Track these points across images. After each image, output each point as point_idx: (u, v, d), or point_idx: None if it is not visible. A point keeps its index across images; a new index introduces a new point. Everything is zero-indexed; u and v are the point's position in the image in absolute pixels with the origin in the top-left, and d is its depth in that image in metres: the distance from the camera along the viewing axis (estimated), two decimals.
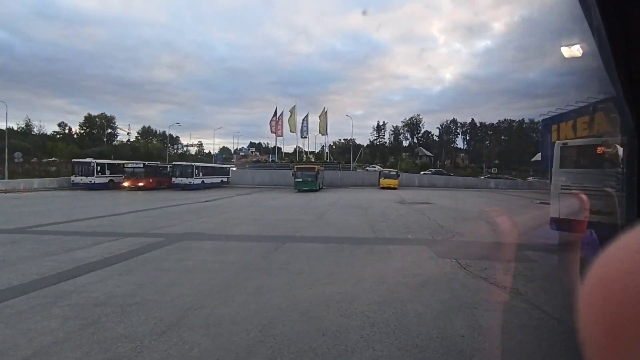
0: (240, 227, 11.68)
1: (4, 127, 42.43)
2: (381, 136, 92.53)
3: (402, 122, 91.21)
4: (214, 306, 4.48)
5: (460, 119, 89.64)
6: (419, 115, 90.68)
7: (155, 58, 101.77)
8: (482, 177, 55.19)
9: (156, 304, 4.55)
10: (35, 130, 70.05)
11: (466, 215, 15.56)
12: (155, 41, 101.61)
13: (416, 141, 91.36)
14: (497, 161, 78.91)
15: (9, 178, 31.01)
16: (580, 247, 6.10)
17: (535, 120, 72.23)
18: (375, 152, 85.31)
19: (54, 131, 73.68)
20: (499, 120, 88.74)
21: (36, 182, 30.36)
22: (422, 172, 54.33)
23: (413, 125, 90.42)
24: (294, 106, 63.99)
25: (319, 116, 64.18)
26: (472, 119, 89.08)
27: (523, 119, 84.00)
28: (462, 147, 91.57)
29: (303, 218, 13.84)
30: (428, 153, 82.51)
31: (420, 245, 8.57)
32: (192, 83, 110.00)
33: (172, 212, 15.92)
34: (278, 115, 64.05)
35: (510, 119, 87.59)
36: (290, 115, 63.46)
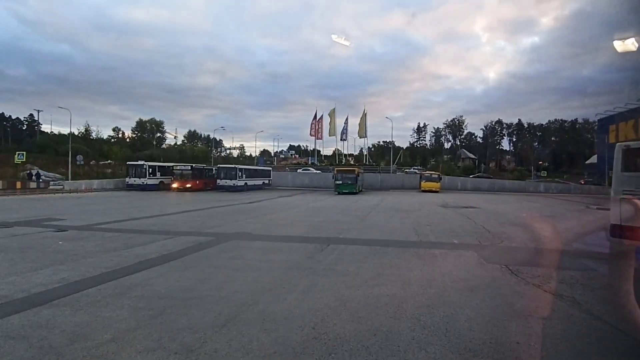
0: (285, 228, 11.99)
1: (66, 132, 46.35)
2: (422, 138, 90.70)
3: (444, 123, 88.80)
4: (267, 303, 4.70)
5: (506, 120, 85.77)
6: (461, 116, 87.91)
7: (200, 65, 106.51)
8: (530, 180, 52.52)
9: (214, 299, 4.85)
10: (93, 135, 75.77)
11: (514, 220, 14.95)
12: (199, 48, 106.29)
13: (458, 143, 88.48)
14: (546, 163, 74.68)
15: (71, 179, 33.74)
16: (634, 257, 5.72)
17: (590, 120, 67.66)
18: (416, 155, 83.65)
19: (109, 135, 79.18)
20: (549, 121, 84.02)
21: (95, 183, 32.81)
22: (471, 176, 52.60)
23: (455, 126, 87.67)
24: (334, 109, 64.46)
25: (360, 119, 64.11)
26: (519, 120, 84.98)
27: (576, 119, 78.94)
28: (508, 149, 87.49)
29: (346, 220, 13.94)
30: (471, 155, 79.66)
31: (467, 250, 8.38)
32: (234, 88, 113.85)
33: (219, 213, 16.62)
34: (318, 118, 64.70)
35: (561, 119, 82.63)
36: (330, 119, 63.90)
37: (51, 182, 31.73)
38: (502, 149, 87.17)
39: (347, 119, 66.48)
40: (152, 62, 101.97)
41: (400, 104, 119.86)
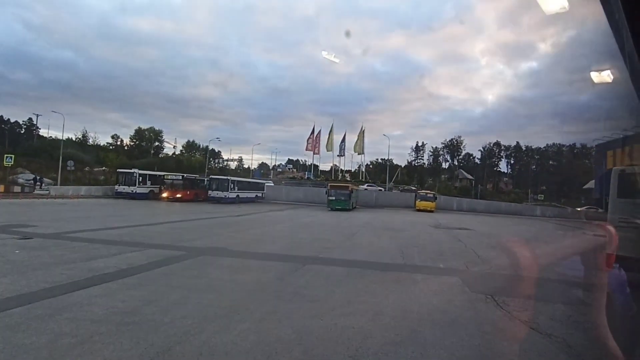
0: (265, 244, 11.38)
1: (63, 137, 45.92)
2: (419, 157, 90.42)
3: (442, 143, 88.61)
4: (213, 332, 4.10)
5: (504, 142, 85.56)
6: (459, 136, 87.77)
7: (202, 76, 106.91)
8: (527, 204, 52.06)
9: (154, 325, 4.25)
10: (91, 141, 75.33)
11: (507, 244, 14.37)
12: (202, 60, 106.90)
13: (456, 163, 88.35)
14: (544, 187, 74.39)
15: (61, 184, 33.07)
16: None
17: (588, 146, 67.58)
18: (413, 173, 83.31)
19: (107, 142, 78.66)
20: (547, 145, 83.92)
21: (83, 189, 32.11)
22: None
23: (453, 146, 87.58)
24: (332, 126, 64.31)
25: (357, 135, 63.95)
26: (517, 142, 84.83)
27: (574, 144, 78.81)
28: (505, 171, 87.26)
29: (331, 238, 13.36)
30: (469, 176, 79.33)
31: (452, 276, 7.79)
32: (235, 100, 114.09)
33: (202, 225, 16.01)
34: (315, 133, 64.54)
35: (559, 143, 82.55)
36: (328, 135, 63.77)
37: (37, 187, 31.05)
38: (499, 170, 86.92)
39: (344, 135, 66.33)
40: (155, 72, 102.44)
41: (399, 122, 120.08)
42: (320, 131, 64.54)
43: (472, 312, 5.39)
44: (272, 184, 50.60)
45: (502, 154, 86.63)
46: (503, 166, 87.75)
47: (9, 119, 71.97)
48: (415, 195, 40.69)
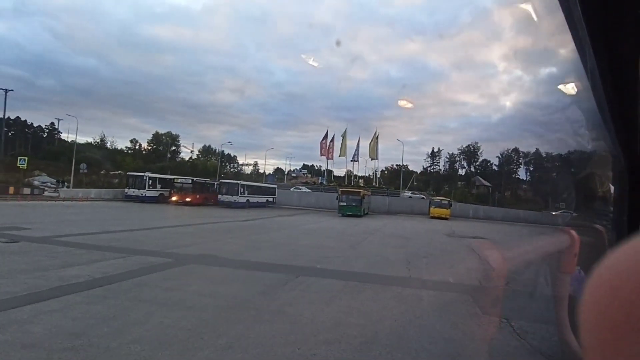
0: (262, 251, 10.66)
1: (80, 141, 46.74)
2: (435, 163, 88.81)
3: (459, 149, 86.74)
4: None
5: (522, 149, 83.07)
6: (477, 142, 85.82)
7: (219, 82, 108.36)
8: (546, 212, 50.00)
9: (95, 352, 3.57)
10: (108, 145, 76.71)
11: (527, 256, 13.26)
12: (219, 67, 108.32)
13: (473, 170, 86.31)
14: (565, 195, 71.69)
15: (73, 187, 33.24)
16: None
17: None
18: (429, 180, 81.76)
19: (126, 147, 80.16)
20: (569, 151, 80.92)
21: (93, 192, 32.12)
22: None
23: (470, 153, 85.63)
24: (345, 130, 63.57)
25: (370, 141, 63.07)
26: (537, 149, 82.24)
27: (594, 150, 75.92)
28: (524, 179, 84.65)
29: (335, 246, 12.56)
30: (486, 183, 77.19)
31: (462, 294, 6.90)
32: (251, 106, 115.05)
33: (203, 230, 15.47)
34: (329, 138, 63.86)
35: (581, 150, 79.55)
36: (342, 140, 63.04)
37: (46, 189, 31.25)
38: (518, 177, 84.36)
39: (359, 141, 65.46)
40: (174, 78, 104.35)
41: (415, 128, 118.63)
42: (334, 136, 63.86)
43: (483, 342, 4.53)
44: (276, 187, 50.12)
45: (520, 161, 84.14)
46: (522, 173, 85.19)
47: (32, 124, 74.14)
48: (430, 202, 39.41)
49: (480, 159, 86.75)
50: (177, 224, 17.11)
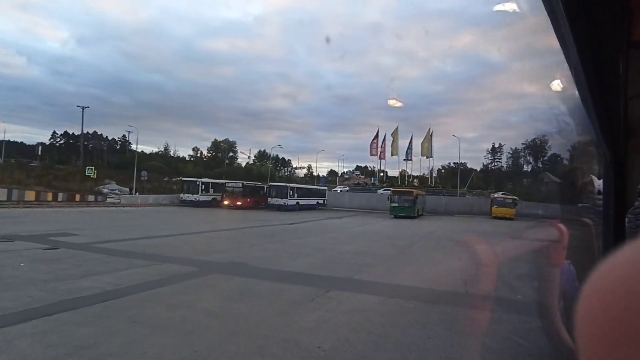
0: (298, 258, 9.77)
1: (147, 151, 50.02)
2: (497, 159, 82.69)
3: (523, 144, 79.86)
4: None
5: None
6: (543, 136, 78.35)
7: (273, 89, 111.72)
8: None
9: None
10: (171, 154, 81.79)
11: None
12: (272, 74, 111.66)
13: (540, 165, 79.03)
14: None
15: (138, 194, 35.30)
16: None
17: None
18: (490, 177, 76.24)
19: (189, 155, 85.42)
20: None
21: (152, 198, 33.71)
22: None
23: (536, 147, 78.45)
24: (396, 129, 61.29)
25: (423, 139, 60.16)
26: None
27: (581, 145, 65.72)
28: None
29: (380, 252, 11.33)
30: (555, 179, 70.19)
31: (535, 316, 5.41)
32: (304, 110, 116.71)
33: (245, 234, 15.03)
34: (380, 138, 61.94)
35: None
36: (393, 139, 60.87)
37: (108, 196, 33.33)
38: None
39: (411, 139, 62.67)
40: (231, 88, 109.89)
41: (472, 124, 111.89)
42: (385, 136, 61.82)
43: None
44: (340, 191, 49.33)
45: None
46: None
47: (107, 137, 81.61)
48: (491, 201, 36.08)
49: (548, 154, 79.19)
50: (221, 228, 16.92)
